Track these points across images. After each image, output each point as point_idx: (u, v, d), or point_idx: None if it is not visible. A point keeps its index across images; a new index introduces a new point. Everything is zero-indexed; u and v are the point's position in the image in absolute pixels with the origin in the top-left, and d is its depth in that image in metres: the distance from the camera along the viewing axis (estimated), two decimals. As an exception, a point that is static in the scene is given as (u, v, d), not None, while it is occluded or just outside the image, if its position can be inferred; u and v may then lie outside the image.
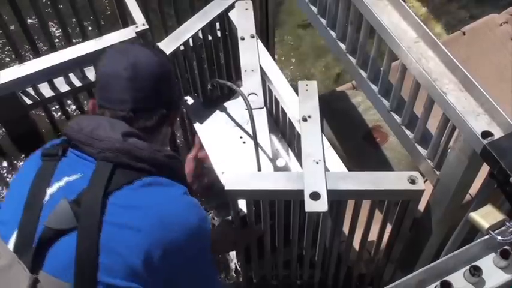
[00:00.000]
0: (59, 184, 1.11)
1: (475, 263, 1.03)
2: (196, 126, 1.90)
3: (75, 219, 1.05)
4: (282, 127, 1.84)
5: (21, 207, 1.09)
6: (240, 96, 1.81)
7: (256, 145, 1.63)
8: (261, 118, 1.65)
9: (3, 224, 1.11)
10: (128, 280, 1.05)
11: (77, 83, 2.22)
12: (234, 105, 1.96)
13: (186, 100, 2.04)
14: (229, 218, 1.60)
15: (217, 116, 1.94)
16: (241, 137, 1.85)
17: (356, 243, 1.67)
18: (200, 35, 1.90)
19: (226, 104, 1.97)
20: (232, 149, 1.81)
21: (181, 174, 1.25)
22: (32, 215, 1.07)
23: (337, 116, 2.09)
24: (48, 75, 2.02)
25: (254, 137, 1.60)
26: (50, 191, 1.10)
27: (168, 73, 1.26)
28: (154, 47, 1.36)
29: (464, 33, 2.32)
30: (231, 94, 2.06)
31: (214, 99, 2.06)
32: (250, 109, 1.58)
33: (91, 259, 1.03)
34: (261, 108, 1.63)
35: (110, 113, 1.18)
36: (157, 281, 1.09)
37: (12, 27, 2.44)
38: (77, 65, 2.00)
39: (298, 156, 1.80)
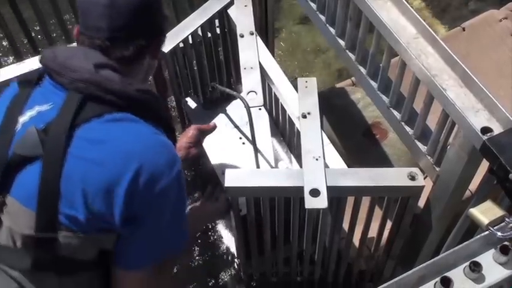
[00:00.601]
0: (30, 113, 1.10)
1: (474, 259, 1.03)
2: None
3: (41, 148, 1.04)
4: (282, 126, 1.84)
5: None
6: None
7: (255, 147, 1.64)
8: (263, 121, 1.65)
9: None
10: (88, 214, 1.04)
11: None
12: (234, 107, 1.96)
13: (187, 102, 2.04)
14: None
15: (217, 117, 1.95)
16: (240, 138, 1.86)
17: (356, 240, 1.68)
18: (199, 32, 1.90)
19: (226, 106, 1.98)
20: (231, 150, 1.82)
21: (158, 113, 1.18)
22: (4, 141, 1.08)
23: (337, 113, 2.09)
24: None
25: (253, 140, 1.60)
26: (22, 119, 1.10)
27: (149, 2, 1.19)
28: None
29: (463, 29, 2.32)
30: (231, 96, 2.06)
31: (214, 101, 2.07)
32: (249, 113, 1.58)
33: (53, 189, 1.03)
34: (260, 106, 1.63)
35: (88, 41, 1.15)
36: (118, 218, 1.06)
37: (11, 26, 2.43)
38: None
39: (298, 155, 1.80)
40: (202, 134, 1.64)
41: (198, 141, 1.61)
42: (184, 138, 1.59)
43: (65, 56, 1.12)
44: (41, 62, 1.15)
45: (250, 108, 1.60)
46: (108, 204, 1.05)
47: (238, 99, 1.97)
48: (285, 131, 1.83)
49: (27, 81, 1.16)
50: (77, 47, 1.18)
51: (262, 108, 1.86)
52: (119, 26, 1.14)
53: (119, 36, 1.15)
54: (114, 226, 1.07)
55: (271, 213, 1.54)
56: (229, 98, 2.03)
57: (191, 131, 1.60)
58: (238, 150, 1.83)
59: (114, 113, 1.09)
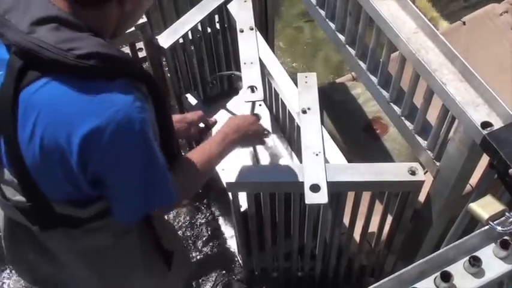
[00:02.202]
0: None
1: (474, 254, 1.03)
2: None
3: None
4: (282, 122, 1.84)
5: None
6: (240, 94, 1.83)
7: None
8: (264, 118, 1.65)
9: None
10: (58, 180, 1.05)
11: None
12: (234, 103, 1.97)
13: (187, 98, 2.04)
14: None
15: (217, 113, 1.95)
16: None
17: (357, 235, 1.68)
18: (199, 27, 1.90)
19: (226, 102, 1.98)
20: None
21: (118, 71, 1.03)
22: None
23: (337, 108, 2.09)
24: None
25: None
26: None
27: None
28: None
29: (464, 23, 2.31)
30: (231, 91, 2.06)
31: (214, 97, 2.07)
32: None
33: (21, 164, 1.05)
34: (261, 100, 1.63)
35: None
36: (82, 180, 1.05)
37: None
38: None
39: (298, 151, 1.81)
40: (206, 126, 1.61)
41: (197, 124, 1.59)
42: (190, 114, 1.57)
43: (7, 6, 1.01)
44: None
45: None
46: (68, 166, 1.02)
47: (238, 97, 1.98)
48: (285, 127, 1.83)
49: None
50: None
51: (263, 104, 1.86)
52: None
53: None
54: (85, 190, 1.07)
55: (272, 209, 1.54)
56: (230, 95, 2.03)
57: (199, 112, 1.58)
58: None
59: (53, 74, 0.99)
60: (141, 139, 1.04)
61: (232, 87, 2.17)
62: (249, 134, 1.45)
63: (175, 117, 1.70)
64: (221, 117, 1.91)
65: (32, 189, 1.08)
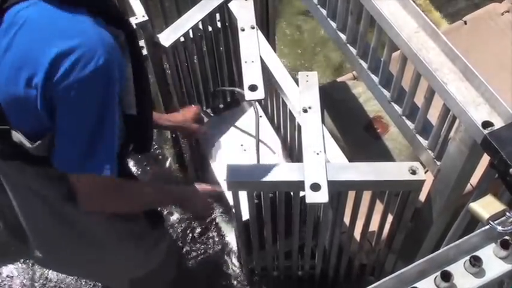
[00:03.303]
0: None
1: (475, 253, 1.03)
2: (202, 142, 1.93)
3: None
4: (278, 123, 1.85)
5: None
6: (242, 105, 1.84)
7: (257, 141, 1.65)
8: (266, 128, 1.66)
9: None
10: (21, 102, 1.09)
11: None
12: (235, 114, 1.99)
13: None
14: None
15: (218, 123, 1.97)
16: (242, 145, 1.89)
17: (357, 234, 1.68)
18: (200, 26, 1.89)
19: (227, 113, 2.00)
20: (233, 157, 1.84)
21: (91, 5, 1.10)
22: None
23: (338, 107, 2.09)
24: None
25: (256, 133, 1.61)
26: None
27: None
28: None
29: (465, 23, 2.31)
30: (233, 102, 2.07)
31: (217, 108, 2.08)
32: (257, 117, 1.62)
33: None
34: (261, 99, 1.63)
35: None
36: (41, 106, 1.08)
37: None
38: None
39: (292, 152, 1.82)
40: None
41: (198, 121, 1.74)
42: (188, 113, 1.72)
43: None
44: None
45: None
46: (31, 86, 1.06)
47: (239, 108, 2.01)
48: (280, 128, 1.84)
49: None
50: None
51: (264, 116, 1.89)
52: None
53: None
54: (41, 117, 1.09)
55: (272, 207, 1.54)
56: (231, 105, 2.05)
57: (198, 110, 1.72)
58: (239, 157, 1.85)
59: None
60: (103, 76, 1.06)
61: (234, 99, 2.18)
62: (195, 211, 1.62)
63: (177, 117, 1.74)
64: (221, 127, 1.94)
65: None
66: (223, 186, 1.71)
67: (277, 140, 1.91)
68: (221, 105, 2.10)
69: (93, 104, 1.08)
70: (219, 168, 1.84)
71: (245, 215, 1.59)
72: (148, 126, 1.36)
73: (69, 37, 1.05)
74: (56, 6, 1.07)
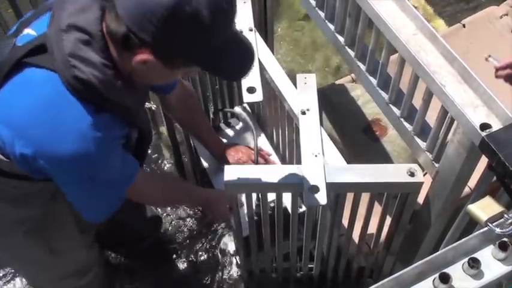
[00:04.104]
0: (26, 31, 1.15)
1: (473, 255, 1.04)
2: (199, 147, 1.92)
3: None
4: (271, 127, 1.86)
5: None
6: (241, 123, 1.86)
7: (256, 143, 1.64)
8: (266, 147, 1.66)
9: None
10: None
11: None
12: (236, 126, 1.99)
13: None
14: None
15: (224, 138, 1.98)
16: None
17: (355, 236, 1.68)
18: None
19: (228, 126, 2.00)
20: None
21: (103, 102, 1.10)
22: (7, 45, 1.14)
23: (336, 109, 2.09)
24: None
25: (255, 135, 1.61)
26: (22, 33, 1.15)
27: (180, 15, 0.97)
28: None
29: (464, 26, 2.32)
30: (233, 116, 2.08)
31: (217, 127, 2.08)
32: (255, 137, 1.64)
33: None
34: (260, 101, 1.63)
35: None
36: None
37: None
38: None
39: (284, 155, 1.83)
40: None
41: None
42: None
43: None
44: None
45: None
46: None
47: (239, 125, 2.02)
48: (279, 147, 1.87)
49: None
50: None
51: (263, 135, 1.90)
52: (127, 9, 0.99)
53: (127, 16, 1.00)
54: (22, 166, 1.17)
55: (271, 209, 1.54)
56: (231, 124, 2.05)
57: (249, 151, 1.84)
58: None
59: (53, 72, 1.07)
60: (81, 172, 1.15)
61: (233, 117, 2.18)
62: (215, 210, 1.66)
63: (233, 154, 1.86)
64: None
65: None
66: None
67: (276, 159, 1.91)
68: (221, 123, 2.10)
69: (85, 178, 1.19)
70: (219, 181, 1.84)
71: (244, 221, 1.60)
72: (146, 142, 1.40)
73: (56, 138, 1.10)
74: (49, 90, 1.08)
